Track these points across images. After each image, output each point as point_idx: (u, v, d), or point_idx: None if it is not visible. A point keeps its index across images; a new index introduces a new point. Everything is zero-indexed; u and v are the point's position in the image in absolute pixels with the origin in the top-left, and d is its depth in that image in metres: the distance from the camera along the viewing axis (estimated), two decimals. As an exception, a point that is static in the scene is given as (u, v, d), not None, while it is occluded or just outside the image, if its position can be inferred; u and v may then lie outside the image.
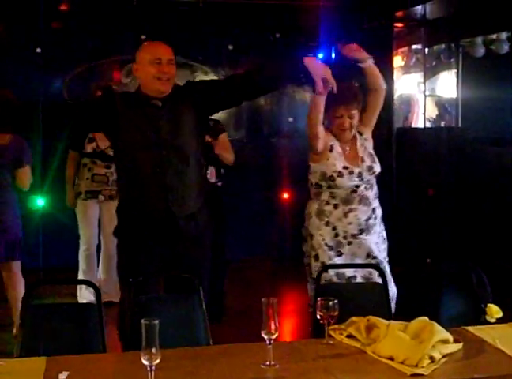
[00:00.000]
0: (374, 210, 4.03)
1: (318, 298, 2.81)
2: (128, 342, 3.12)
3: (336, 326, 2.85)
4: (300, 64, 3.48)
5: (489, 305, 3.30)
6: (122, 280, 3.68)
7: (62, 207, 5.88)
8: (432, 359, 2.55)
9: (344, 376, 2.48)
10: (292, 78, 3.86)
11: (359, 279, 3.91)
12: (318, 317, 2.77)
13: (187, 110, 3.58)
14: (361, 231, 3.98)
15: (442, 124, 8.41)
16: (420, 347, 2.59)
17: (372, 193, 4.04)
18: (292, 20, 7.58)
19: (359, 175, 3.98)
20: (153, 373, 2.30)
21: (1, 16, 6.92)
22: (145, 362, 2.28)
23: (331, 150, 4.00)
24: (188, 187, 3.59)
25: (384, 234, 4.13)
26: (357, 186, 3.98)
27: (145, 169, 3.53)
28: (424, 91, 8.08)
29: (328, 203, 4.01)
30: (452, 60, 8.04)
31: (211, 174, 5.24)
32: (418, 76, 8.00)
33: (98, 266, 5.88)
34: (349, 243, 3.99)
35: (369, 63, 3.99)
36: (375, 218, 4.04)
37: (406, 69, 7.85)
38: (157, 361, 2.29)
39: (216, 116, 5.55)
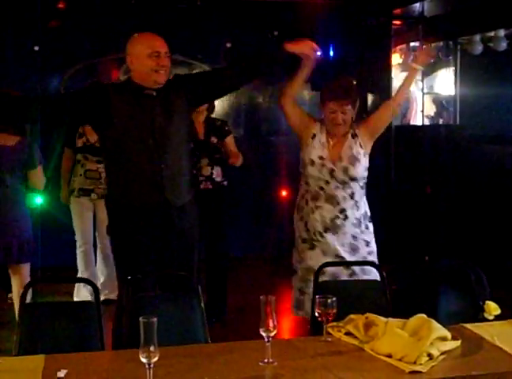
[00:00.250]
0: (343, 211, 4.00)
1: (317, 296, 2.81)
2: (119, 340, 3.14)
3: (334, 323, 2.85)
4: (281, 48, 3.77)
5: (487, 302, 3.30)
6: (120, 278, 3.70)
7: (61, 205, 5.88)
8: (430, 356, 2.56)
9: (342, 373, 2.48)
10: (275, 60, 4.06)
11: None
12: (317, 314, 2.77)
13: (179, 101, 3.68)
14: (326, 230, 4.00)
15: (440, 121, 8.42)
16: (419, 344, 2.60)
17: (345, 194, 4.01)
18: (290, 18, 7.57)
19: (331, 171, 3.99)
20: (152, 370, 2.30)
21: (-1, 15, 6.91)
22: (144, 360, 2.28)
23: (313, 138, 4.05)
24: (182, 176, 3.69)
25: (365, 237, 4.06)
26: (327, 183, 3.99)
27: (141, 157, 3.57)
28: (422, 89, 8.09)
29: (302, 198, 4.10)
30: (450, 57, 8.04)
31: (217, 173, 5.31)
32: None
33: (96, 264, 5.89)
34: (318, 240, 4.03)
35: (416, 73, 4.15)
36: (344, 219, 4.01)
37: (404, 66, 7.84)
38: (156, 358, 2.28)
39: (215, 115, 5.60)
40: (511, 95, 7.27)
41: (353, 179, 4.00)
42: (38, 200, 5.75)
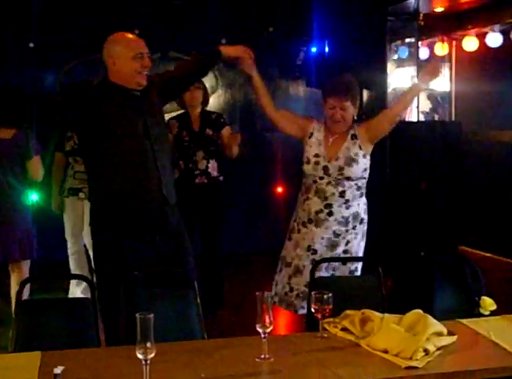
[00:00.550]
0: (328, 206, 4.03)
1: (313, 292, 2.82)
2: (113, 336, 3.15)
3: (330, 319, 2.86)
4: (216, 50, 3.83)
5: (483, 297, 3.31)
6: (105, 275, 3.64)
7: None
8: (426, 352, 2.56)
9: (338, 369, 2.48)
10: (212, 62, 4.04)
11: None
12: (313, 310, 2.78)
13: (157, 101, 3.72)
14: (310, 221, 4.06)
15: (436, 117, 8.42)
16: (415, 339, 2.60)
17: (335, 191, 4.03)
18: (285, 14, 7.57)
19: (325, 169, 4.02)
20: (148, 366, 2.30)
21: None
22: (140, 356, 2.29)
23: (310, 136, 4.11)
24: (171, 175, 3.76)
25: (348, 237, 4.07)
26: (321, 178, 4.04)
27: (136, 157, 3.54)
28: (418, 85, 8.06)
29: (300, 192, 4.21)
30: (445, 53, 8.04)
31: (212, 167, 5.28)
32: (411, 70, 8.00)
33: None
34: (299, 231, 4.12)
35: (420, 92, 4.21)
36: (329, 214, 4.03)
37: (399, 62, 7.84)
38: (152, 355, 2.29)
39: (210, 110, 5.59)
40: (507, 92, 7.27)
41: (348, 179, 4.01)
42: (33, 196, 5.73)
